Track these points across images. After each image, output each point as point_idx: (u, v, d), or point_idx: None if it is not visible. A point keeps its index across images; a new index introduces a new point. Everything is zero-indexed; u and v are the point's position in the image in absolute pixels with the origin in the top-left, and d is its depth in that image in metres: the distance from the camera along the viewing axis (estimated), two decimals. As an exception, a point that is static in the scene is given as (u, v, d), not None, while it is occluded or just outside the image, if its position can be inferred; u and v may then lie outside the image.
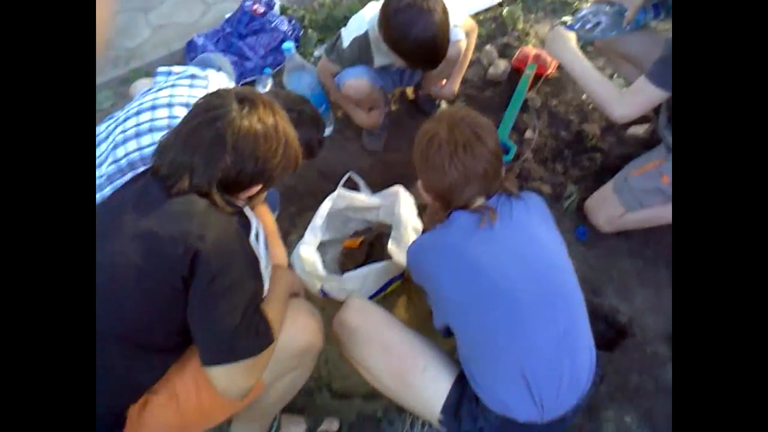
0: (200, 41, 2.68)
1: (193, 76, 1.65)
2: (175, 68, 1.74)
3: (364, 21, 1.85)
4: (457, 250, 1.17)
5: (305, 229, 1.83)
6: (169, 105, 1.53)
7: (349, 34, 1.88)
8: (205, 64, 1.84)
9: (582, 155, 2.00)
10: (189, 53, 2.68)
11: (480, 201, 1.21)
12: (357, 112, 2.10)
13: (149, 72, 2.57)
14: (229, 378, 1.06)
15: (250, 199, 1.22)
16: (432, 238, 1.27)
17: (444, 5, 1.66)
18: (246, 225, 1.15)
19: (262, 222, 1.26)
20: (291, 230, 2.01)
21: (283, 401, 1.37)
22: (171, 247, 1.02)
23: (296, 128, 1.27)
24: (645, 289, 1.71)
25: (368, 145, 2.20)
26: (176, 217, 1.06)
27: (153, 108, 1.53)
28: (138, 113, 1.54)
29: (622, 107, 1.47)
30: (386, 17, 1.67)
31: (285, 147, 1.19)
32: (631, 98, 1.45)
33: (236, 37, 2.64)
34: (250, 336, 1.07)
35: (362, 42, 1.86)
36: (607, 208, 1.75)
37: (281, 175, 1.26)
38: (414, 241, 1.32)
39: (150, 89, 1.66)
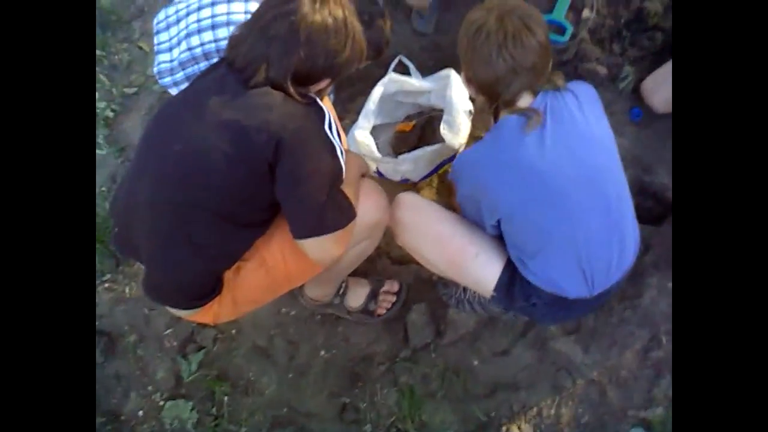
0: None
1: None
2: None
3: None
4: (508, 159, 1.19)
5: (358, 113, 1.88)
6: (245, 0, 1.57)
7: None
8: None
9: (642, 35, 1.93)
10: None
11: (527, 98, 1.21)
12: None
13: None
14: (321, 248, 1.19)
15: (319, 92, 1.28)
16: (482, 150, 1.27)
17: None
18: (321, 114, 1.22)
19: None
20: (344, 115, 2.05)
21: (352, 267, 1.51)
22: (255, 135, 1.11)
23: (366, 30, 1.30)
24: (697, 169, 1.73)
25: (418, 27, 2.14)
26: (257, 108, 1.13)
27: (229, 1, 1.57)
28: (213, 3, 1.58)
29: None
30: None
31: (353, 41, 1.23)
32: None
33: None
34: (336, 211, 1.19)
35: None
36: (666, 88, 1.72)
37: (348, 70, 1.30)
38: (462, 154, 1.32)
39: None
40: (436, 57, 2.08)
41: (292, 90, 1.16)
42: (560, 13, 1.98)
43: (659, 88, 1.75)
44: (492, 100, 1.26)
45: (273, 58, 1.15)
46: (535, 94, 1.22)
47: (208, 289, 1.25)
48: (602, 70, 1.89)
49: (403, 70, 2.05)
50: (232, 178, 1.13)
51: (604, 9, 2.01)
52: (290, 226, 1.19)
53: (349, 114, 2.05)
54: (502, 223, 1.24)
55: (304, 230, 1.18)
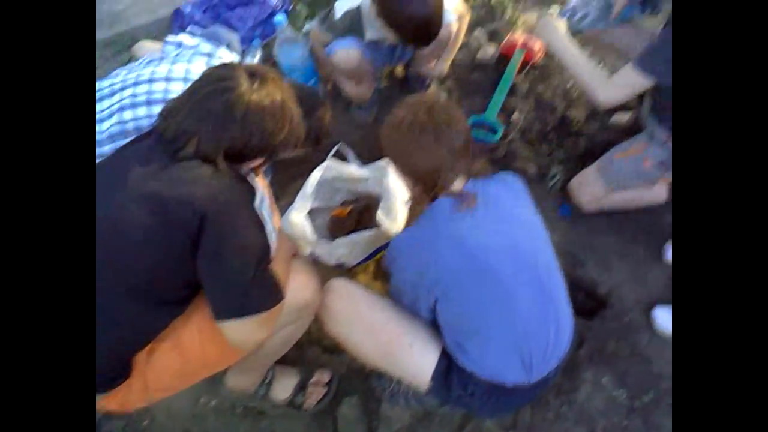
0: (187, 9, 2.63)
1: (209, 55, 1.70)
2: (186, 40, 1.75)
3: None
4: (443, 235, 1.18)
5: (294, 196, 1.85)
6: (185, 80, 1.57)
7: (341, 6, 1.89)
8: (215, 39, 1.84)
9: (567, 139, 2.07)
10: (176, 21, 2.63)
11: (461, 182, 1.23)
12: (347, 83, 2.10)
13: (136, 37, 2.52)
14: (242, 331, 1.10)
15: (253, 169, 1.26)
16: (418, 230, 1.26)
17: None
18: (251, 191, 1.18)
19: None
20: (280, 197, 2.01)
21: (279, 353, 1.39)
22: (179, 209, 1.04)
23: (307, 118, 1.32)
24: (623, 262, 1.80)
25: (358, 118, 2.21)
26: (183, 181, 1.08)
27: (168, 80, 1.57)
28: (151, 81, 1.57)
29: (608, 91, 1.53)
30: None
31: (290, 124, 1.22)
32: (617, 83, 1.51)
33: (224, 7, 2.61)
34: (262, 291, 1.11)
35: (354, 15, 1.87)
36: (591, 188, 1.82)
37: (283, 151, 1.29)
38: (398, 236, 1.30)
39: (162, 58, 1.67)
40: (375, 147, 2.11)
41: (222, 165, 1.12)
42: (492, 114, 2.11)
43: (586, 188, 1.84)
44: (430, 188, 1.26)
45: (205, 132, 1.11)
46: (467, 178, 1.24)
47: (116, 373, 1.11)
48: (532, 168, 1.98)
49: (342, 157, 2.07)
50: (150, 252, 1.04)
51: (532, 113, 2.16)
52: (211, 306, 1.09)
53: (286, 196, 2.01)
54: (438, 303, 1.20)
55: (225, 310, 1.08)
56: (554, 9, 2.41)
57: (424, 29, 1.72)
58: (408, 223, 1.86)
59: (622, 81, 1.50)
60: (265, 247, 1.16)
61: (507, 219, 1.21)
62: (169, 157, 1.11)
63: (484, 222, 1.17)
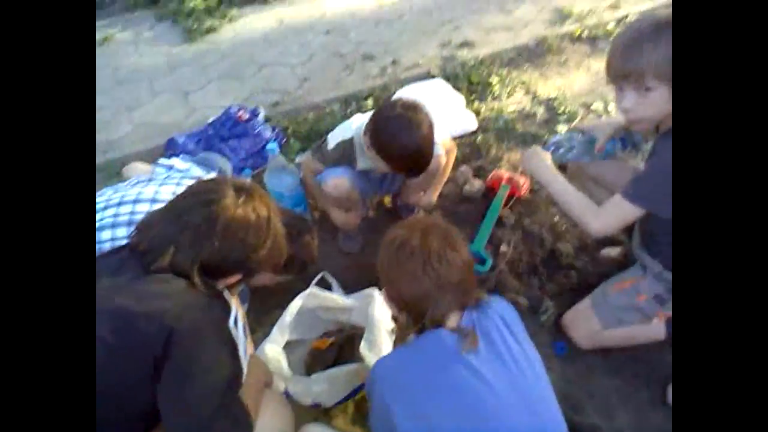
0: (181, 140, 2.71)
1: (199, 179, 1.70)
2: (178, 164, 1.77)
3: (350, 128, 1.94)
4: (439, 375, 1.07)
5: (272, 327, 1.74)
6: None
7: (334, 137, 1.95)
8: (207, 165, 1.86)
9: (557, 272, 2.02)
10: (168, 150, 2.70)
11: (455, 317, 1.15)
12: (335, 211, 2.11)
13: (127, 163, 2.55)
14: None
15: (229, 288, 1.19)
16: (408, 356, 1.16)
17: (431, 122, 1.76)
18: (225, 309, 1.10)
19: None
20: (257, 327, 1.89)
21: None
22: (145, 324, 0.96)
23: (293, 244, 1.29)
24: (625, 406, 1.64)
25: (344, 247, 2.18)
26: (153, 295, 1.01)
27: (153, 201, 1.57)
28: (136, 201, 1.56)
29: (598, 221, 1.51)
30: (377, 124, 1.74)
31: (273, 241, 1.18)
32: (607, 213, 1.50)
33: (218, 138, 2.70)
34: (228, 421, 0.99)
35: (347, 145, 1.92)
36: (586, 323, 1.73)
37: (263, 270, 1.24)
38: (383, 358, 1.21)
39: (150, 180, 1.67)
40: (361, 277, 2.06)
41: (197, 279, 1.05)
42: (479, 245, 2.08)
43: (580, 324, 1.76)
44: (417, 318, 1.17)
45: (182, 243, 1.06)
46: (461, 312, 1.16)
47: None
48: (523, 302, 1.91)
49: (325, 286, 1.99)
50: (107, 374, 0.93)
51: (520, 246, 2.13)
52: None
53: (262, 327, 1.90)
54: None
55: None
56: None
57: (415, 160, 1.75)
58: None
59: (612, 210, 1.49)
60: (236, 372, 1.05)
61: (510, 361, 1.10)
62: (142, 270, 1.04)
63: (487, 364, 1.06)
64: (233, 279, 1.17)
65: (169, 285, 1.03)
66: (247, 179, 1.29)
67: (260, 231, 1.15)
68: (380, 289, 1.78)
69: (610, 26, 3.54)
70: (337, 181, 1.95)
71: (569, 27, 3.59)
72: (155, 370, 0.96)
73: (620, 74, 1.35)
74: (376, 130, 1.75)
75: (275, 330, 1.73)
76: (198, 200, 1.11)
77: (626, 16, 3.60)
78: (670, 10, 1.28)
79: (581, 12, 3.75)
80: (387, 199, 2.38)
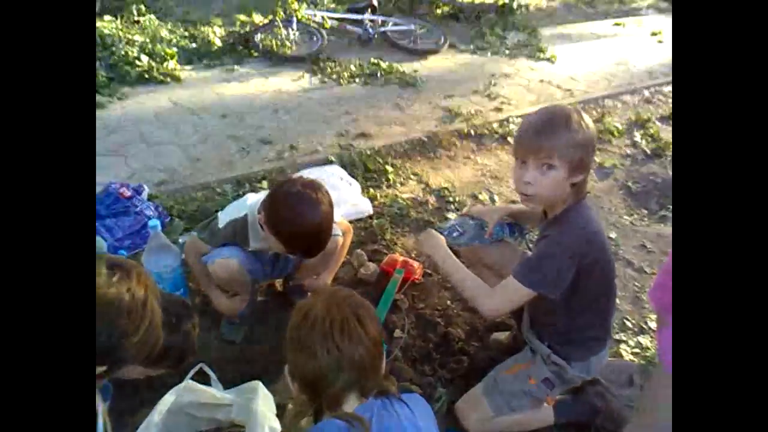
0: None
1: None
2: None
3: (245, 205, 1.86)
4: None
5: (137, 428, 1.52)
6: None
7: (226, 215, 1.86)
8: None
9: (449, 357, 1.99)
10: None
11: (353, 401, 1.07)
12: (219, 296, 1.96)
13: None
14: None
15: None
16: None
17: (331, 201, 1.73)
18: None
19: None
20: (121, 429, 1.63)
21: None
22: None
23: (172, 333, 1.20)
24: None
25: (226, 335, 2.01)
26: None
27: None
28: None
29: (492, 302, 1.52)
30: (275, 200, 1.68)
31: (148, 328, 1.06)
32: (499, 293, 1.52)
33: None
34: None
35: (239, 224, 1.83)
36: (478, 411, 1.69)
37: (133, 361, 1.11)
38: None
39: None
40: (243, 369, 1.89)
41: None
42: (373, 331, 2.01)
43: (472, 411, 1.71)
44: (313, 398, 1.09)
45: None
46: (363, 397, 1.07)
47: None
48: (417, 390, 1.83)
49: (203, 379, 1.79)
50: None
51: (414, 331, 2.09)
52: None
53: (127, 429, 1.64)
54: None
55: None
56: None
57: (313, 240, 1.69)
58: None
59: (505, 292, 1.51)
60: None
61: None
62: None
63: None
64: (98, 370, 1.01)
65: None
66: (123, 258, 1.16)
67: (134, 314, 1.02)
68: (266, 384, 1.65)
69: (494, 126, 3.84)
70: (227, 262, 1.83)
71: (458, 125, 3.85)
72: None
73: (530, 149, 1.44)
74: (273, 207, 1.68)
75: (141, 430, 1.52)
76: None
77: (507, 119, 3.93)
78: (571, 108, 1.42)
79: (468, 113, 4.05)
80: (278, 283, 2.27)
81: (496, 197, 3.04)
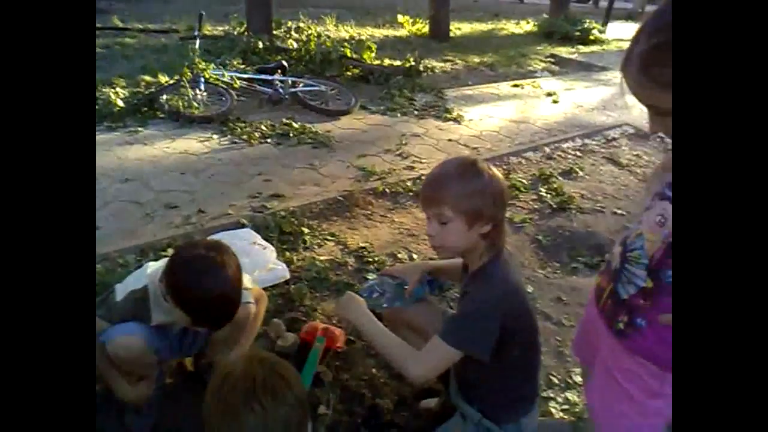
0: None
1: None
2: None
3: (144, 275, 1.70)
4: None
5: None
6: None
7: (125, 287, 1.69)
8: None
9: None
10: None
11: None
12: (121, 382, 1.73)
13: None
14: None
15: None
16: None
17: (238, 263, 1.62)
18: None
19: None
20: None
21: None
22: None
23: None
24: None
25: (133, 427, 1.77)
26: None
27: None
28: None
29: (419, 366, 1.46)
30: (175, 266, 1.55)
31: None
32: (425, 356, 1.46)
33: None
34: None
35: (139, 296, 1.67)
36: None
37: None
38: None
39: None
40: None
41: None
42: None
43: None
44: None
45: None
46: None
47: None
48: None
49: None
50: None
51: (339, 405, 1.97)
52: None
53: None
54: None
55: None
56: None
57: (219, 307, 1.56)
58: None
59: (431, 354, 1.45)
60: None
61: None
62: None
63: None
64: None
65: None
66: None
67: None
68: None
69: (408, 184, 3.90)
70: (128, 340, 1.63)
71: (372, 183, 3.87)
72: None
73: (424, 202, 1.46)
74: (174, 274, 1.54)
75: None
76: None
77: (420, 177, 4.02)
78: (475, 158, 1.42)
79: (382, 171, 4.10)
80: (188, 361, 2.07)
81: (414, 255, 3.04)
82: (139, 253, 2.74)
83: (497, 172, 1.44)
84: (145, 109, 4.79)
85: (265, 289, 2.44)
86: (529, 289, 2.84)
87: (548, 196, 3.94)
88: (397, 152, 4.56)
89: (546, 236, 3.41)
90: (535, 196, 3.96)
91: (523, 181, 4.15)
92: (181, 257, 1.57)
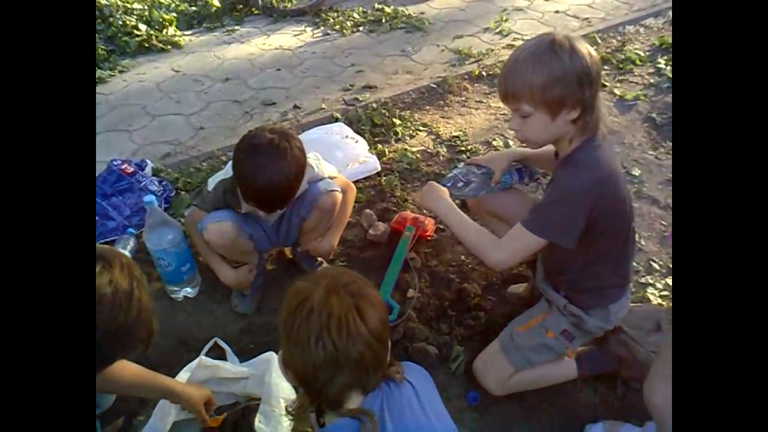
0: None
1: None
2: None
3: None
4: None
5: (155, 406, 1.53)
6: None
7: (215, 178, 1.79)
8: None
9: (465, 314, 1.93)
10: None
11: (355, 398, 0.99)
12: (223, 267, 1.89)
13: None
14: None
15: None
16: None
17: (301, 145, 1.64)
18: None
19: None
20: (140, 409, 1.65)
21: None
22: None
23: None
24: (545, 458, 1.54)
25: (238, 308, 1.97)
26: None
27: None
28: None
29: (498, 253, 1.44)
30: (239, 148, 1.62)
31: (135, 320, 1.01)
32: (507, 243, 1.43)
33: (100, 196, 2.45)
34: None
35: (227, 184, 1.75)
36: (496, 368, 1.64)
37: (120, 356, 1.09)
38: None
39: None
40: (258, 340, 1.88)
41: None
42: (386, 292, 1.96)
43: (490, 368, 1.66)
44: (312, 396, 1.01)
45: None
46: (366, 391, 1.00)
47: None
48: (433, 350, 1.79)
49: (218, 354, 1.79)
50: None
51: (427, 289, 2.03)
52: None
53: (146, 409, 1.64)
54: None
55: None
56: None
57: (278, 190, 1.60)
58: (297, 430, 1.55)
59: (513, 242, 1.42)
60: None
61: None
62: None
63: None
64: None
65: None
66: (106, 247, 1.10)
67: (118, 308, 0.98)
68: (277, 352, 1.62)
69: (506, 65, 3.63)
70: (219, 226, 1.73)
71: (468, 67, 3.66)
72: None
73: (502, 97, 1.36)
74: (238, 157, 1.60)
75: (157, 410, 1.53)
76: None
77: (520, 56, 3.72)
78: (552, 36, 1.27)
79: (479, 52, 3.85)
80: (287, 250, 2.22)
81: (510, 142, 2.90)
82: (241, 150, 2.89)
83: (582, 46, 1.27)
84: (240, 6, 4.81)
85: (356, 181, 2.50)
86: (636, 171, 2.63)
87: (667, 68, 3.49)
88: (497, 30, 4.23)
89: (661, 114, 3.07)
90: (652, 69, 3.54)
91: (640, 52, 3.70)
92: (243, 140, 1.62)
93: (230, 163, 1.77)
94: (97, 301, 0.94)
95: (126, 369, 1.38)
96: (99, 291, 0.95)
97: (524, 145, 1.54)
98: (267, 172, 1.55)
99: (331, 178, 1.91)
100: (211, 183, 1.78)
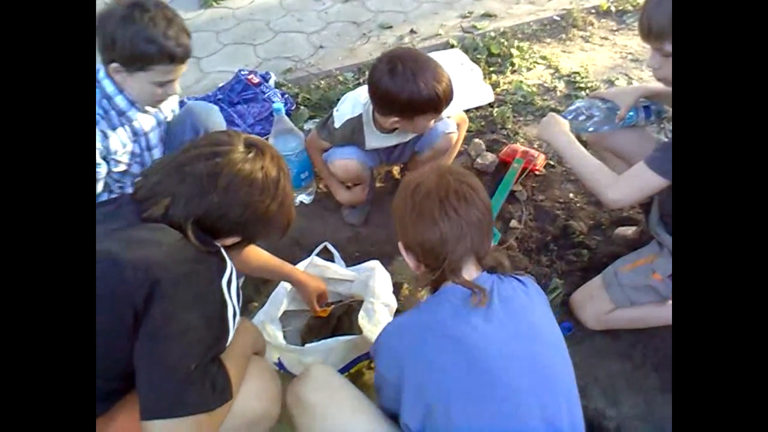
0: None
1: None
2: None
3: (359, 103, 1.85)
4: (448, 332, 1.00)
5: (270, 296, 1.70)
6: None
7: (341, 115, 1.87)
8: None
9: (568, 250, 1.93)
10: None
11: (472, 270, 1.08)
12: (340, 188, 2.07)
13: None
14: None
15: (227, 249, 1.11)
16: (418, 317, 1.10)
17: (447, 79, 1.71)
18: (221, 266, 1.02)
19: None
20: (255, 297, 1.85)
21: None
22: (130, 272, 0.89)
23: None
24: (633, 394, 1.56)
25: (348, 218, 2.11)
26: (143, 242, 0.94)
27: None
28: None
29: (616, 190, 1.42)
30: (381, 65, 1.69)
31: (279, 206, 1.11)
32: (627, 182, 1.40)
33: (226, 103, 2.63)
34: (205, 388, 0.91)
35: (355, 124, 1.85)
36: (595, 303, 1.65)
37: (263, 236, 1.18)
38: (393, 320, 1.15)
39: None
40: (363, 249, 2.01)
41: (191, 234, 0.99)
42: (489, 220, 2.00)
43: (589, 304, 1.68)
44: (435, 267, 1.10)
45: (180, 195, 1.01)
46: (480, 267, 1.09)
47: None
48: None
49: (327, 257, 1.94)
50: None
51: (531, 222, 2.05)
52: (140, 401, 0.90)
53: (260, 296, 1.85)
54: (427, 419, 0.97)
55: (153, 408, 0.88)
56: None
57: (436, 95, 1.66)
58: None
59: (633, 180, 1.39)
60: (220, 335, 0.98)
61: (528, 327, 1.04)
62: (136, 218, 0.99)
63: (500, 325, 1.00)
64: (230, 241, 1.10)
65: (163, 234, 0.97)
66: (259, 138, 1.22)
67: (266, 193, 1.08)
68: (385, 266, 1.73)
69: (640, 0, 3.37)
70: (346, 163, 1.93)
71: (596, 1, 3.43)
72: (135, 325, 0.90)
73: (644, 34, 1.30)
74: (390, 63, 1.67)
75: (272, 298, 1.70)
76: (204, 152, 1.05)
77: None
78: None
79: (610, -15, 3.58)
80: (395, 170, 2.30)
81: (635, 82, 2.74)
82: (356, 71, 2.95)
83: None
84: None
85: (468, 111, 2.50)
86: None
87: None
88: (634, -40, 3.89)
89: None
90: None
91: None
92: (394, 53, 1.72)
93: (354, 99, 1.87)
94: (249, 183, 1.05)
95: (257, 253, 1.54)
96: (252, 175, 1.06)
97: (661, 82, 1.46)
98: (432, 76, 1.65)
99: (447, 117, 1.94)
100: (338, 119, 1.87)
